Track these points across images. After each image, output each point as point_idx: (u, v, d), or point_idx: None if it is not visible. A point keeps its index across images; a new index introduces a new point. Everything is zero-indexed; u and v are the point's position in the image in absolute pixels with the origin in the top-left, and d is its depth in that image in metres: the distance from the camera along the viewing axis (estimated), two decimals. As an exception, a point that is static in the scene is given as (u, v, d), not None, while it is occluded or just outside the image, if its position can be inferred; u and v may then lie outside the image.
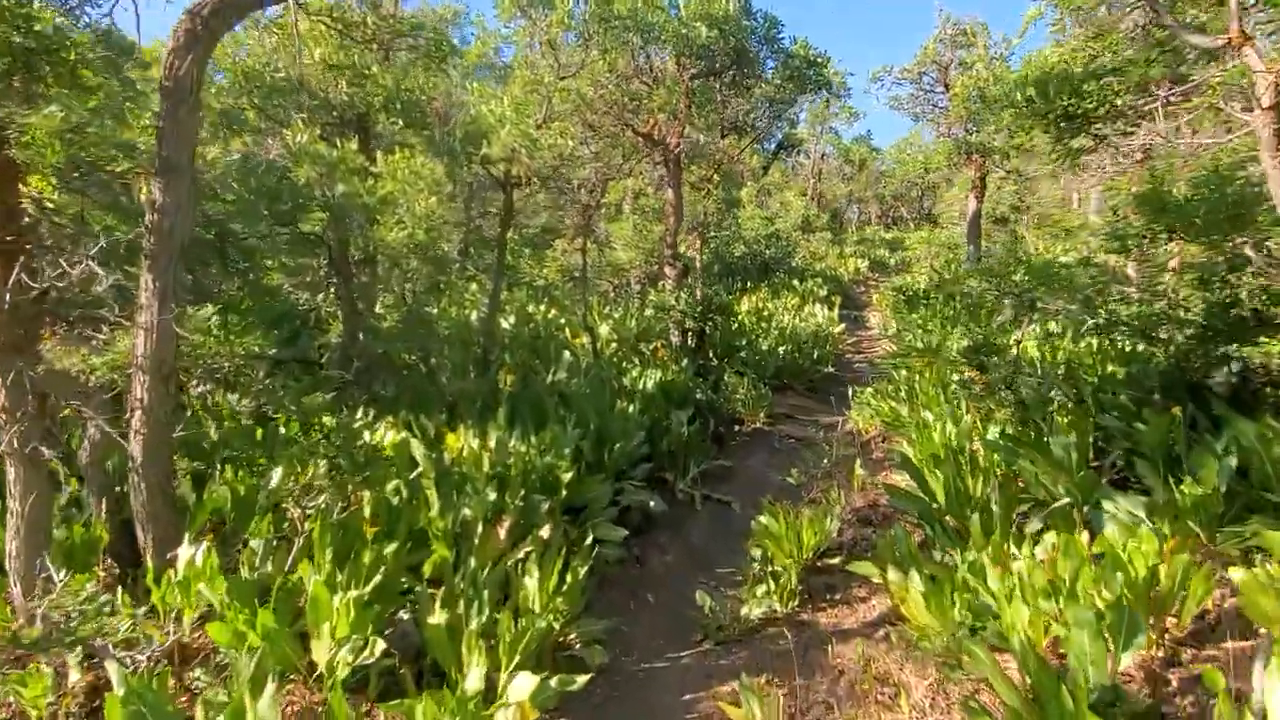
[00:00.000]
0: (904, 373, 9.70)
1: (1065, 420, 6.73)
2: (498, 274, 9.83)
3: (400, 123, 8.09)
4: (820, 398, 12.12)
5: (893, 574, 4.91)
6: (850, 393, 12.41)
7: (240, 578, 4.38)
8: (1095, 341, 9.10)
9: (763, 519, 6.31)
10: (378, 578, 4.49)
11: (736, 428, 10.19)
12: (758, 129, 13.48)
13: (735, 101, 12.73)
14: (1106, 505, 5.29)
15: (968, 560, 4.73)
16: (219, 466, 5.58)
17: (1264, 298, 6.29)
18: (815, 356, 12.87)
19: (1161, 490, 5.35)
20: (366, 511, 5.07)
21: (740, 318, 13.90)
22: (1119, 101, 4.41)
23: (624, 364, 11.36)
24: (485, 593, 4.46)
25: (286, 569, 4.64)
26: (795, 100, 12.93)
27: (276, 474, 5.30)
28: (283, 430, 6.08)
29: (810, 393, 12.18)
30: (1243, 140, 5.72)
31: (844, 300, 22.09)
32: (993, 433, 6.91)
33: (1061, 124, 4.68)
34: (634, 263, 14.98)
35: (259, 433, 6.28)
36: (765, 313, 15.86)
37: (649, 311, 13.83)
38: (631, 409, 8.18)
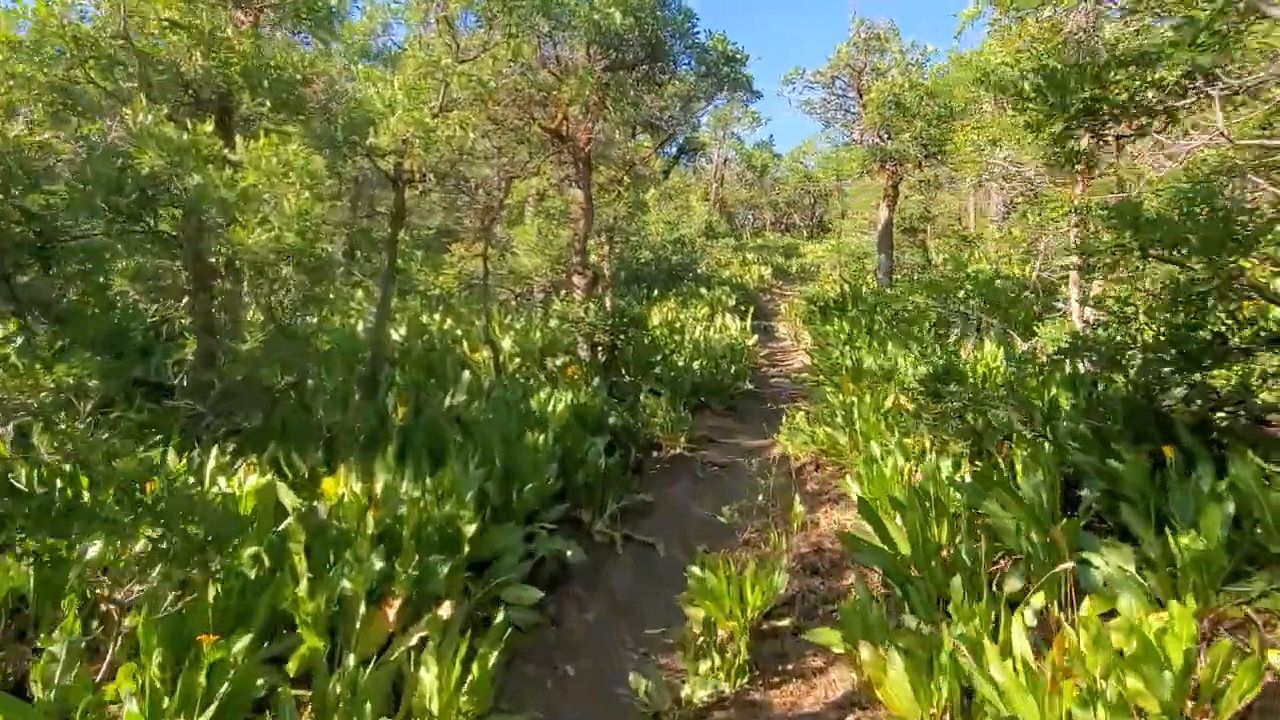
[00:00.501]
0: (837, 396, 9.11)
1: (1025, 454, 6.22)
2: (387, 281, 8.75)
3: (268, 104, 6.95)
4: (740, 417, 11.49)
5: (866, 652, 4.18)
6: (771, 411, 11.84)
7: (28, 702, 3.28)
8: (1035, 363, 8.73)
9: (698, 571, 5.53)
10: (225, 688, 3.46)
11: (655, 453, 9.40)
12: (671, 128, 12.77)
13: (649, 98, 11.98)
14: (1094, 559, 4.74)
15: (955, 632, 4.05)
16: (19, 535, 4.38)
17: (1231, 323, 5.92)
18: (733, 372, 12.23)
19: (1152, 541, 4.83)
20: (212, 594, 4.01)
21: (653, 330, 13.13)
22: (1149, 95, 3.83)
23: (530, 382, 10.43)
24: (368, 705, 3.49)
25: (98, 680, 3.55)
26: (712, 98, 12.28)
27: (95, 546, 4.16)
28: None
29: (729, 411, 11.53)
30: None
31: (752, 309, 21.73)
32: (946, 467, 6.34)
33: (1082, 120, 4.07)
34: (538, 270, 14.03)
35: (83, 482, 5.08)
36: (677, 324, 15.17)
37: (554, 322, 12.93)
38: (543, 439, 7.27)
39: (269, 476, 5.82)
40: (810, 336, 17.34)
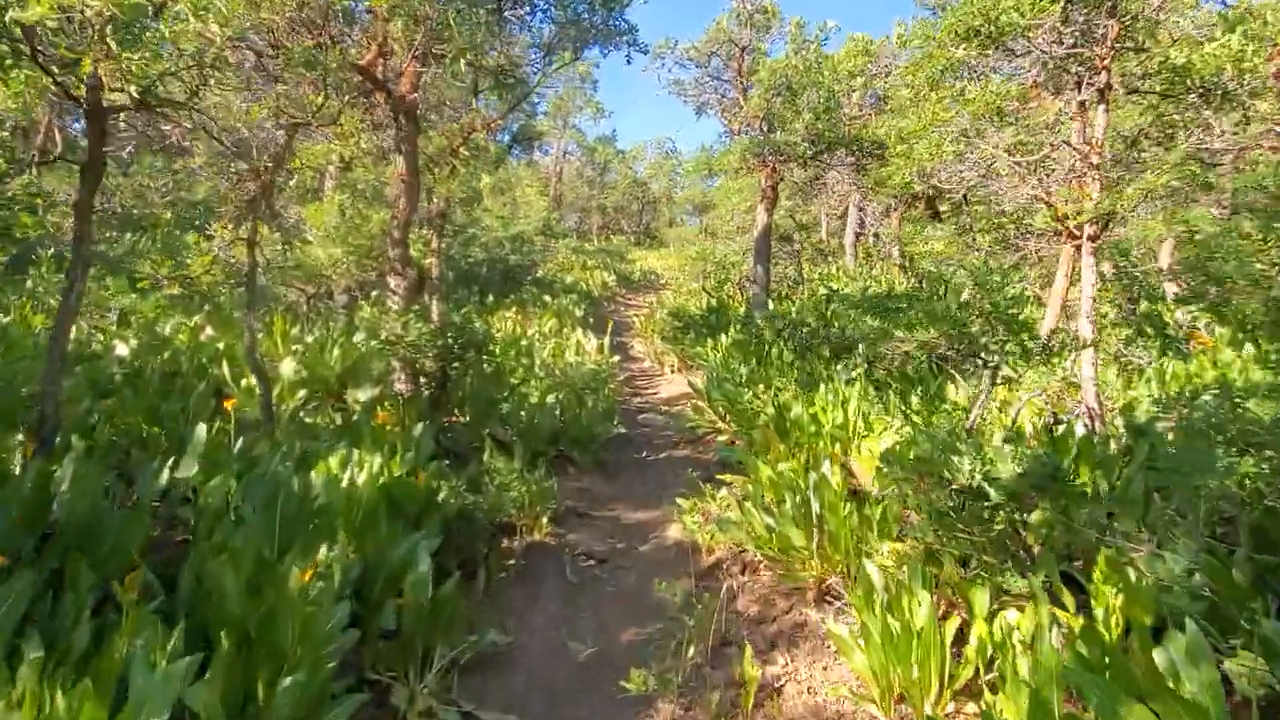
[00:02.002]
0: (765, 462, 6.67)
1: (1115, 591, 4.00)
2: (75, 267, 5.56)
3: None
4: (611, 473, 8.90)
5: None
6: (649, 463, 9.40)
7: None
8: (1033, 415, 6.68)
9: None
10: None
11: (506, 541, 6.62)
12: (528, 83, 10.02)
13: (495, 43, 9.19)
14: None
15: None
16: None
17: None
18: (601, 411, 9.62)
19: None
20: None
21: (497, 353, 10.31)
22: None
23: (320, 423, 7.45)
24: None
25: None
26: (582, 49, 9.63)
27: None
28: None
29: (598, 466, 8.90)
30: None
31: (600, 320, 19.31)
32: (1003, 615, 4.03)
33: None
34: (338, 264, 10.77)
35: None
36: (523, 342, 12.37)
37: (361, 337, 9.85)
38: (326, 553, 4.37)
39: None
40: (677, 358, 15.10)
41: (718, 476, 7.46)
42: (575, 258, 30.43)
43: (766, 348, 11.72)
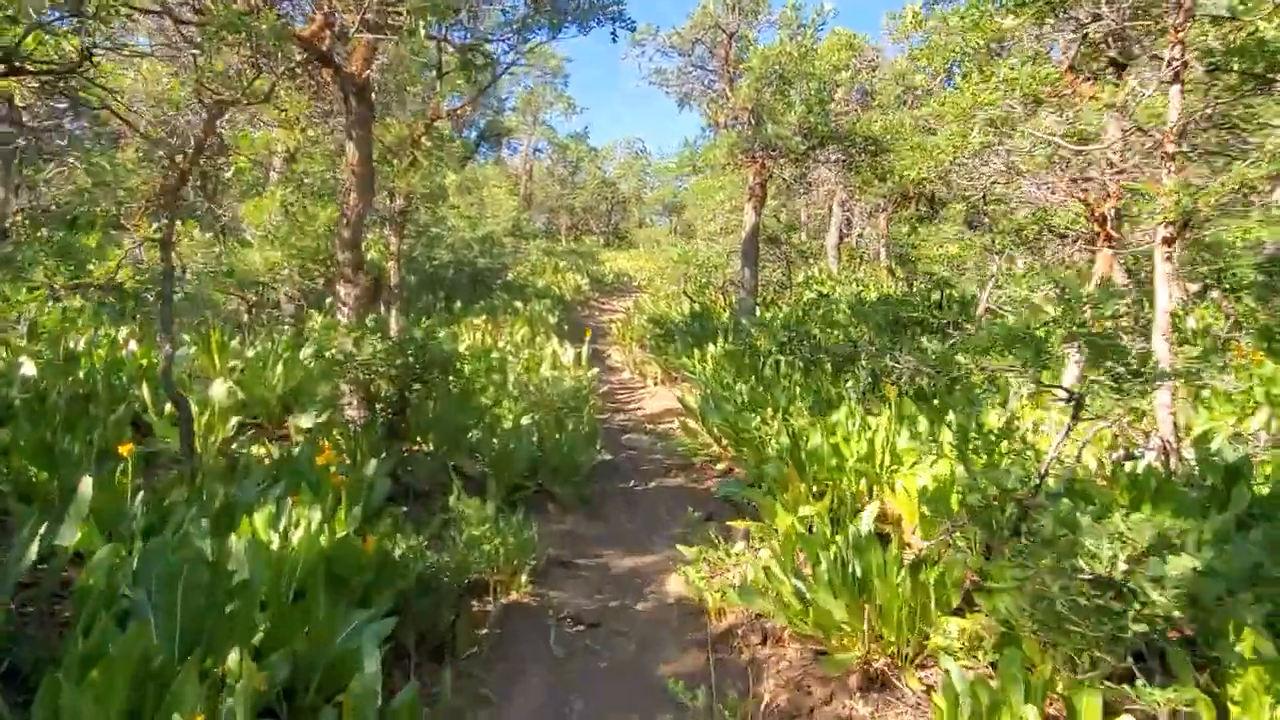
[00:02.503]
0: (784, 508, 5.69)
1: (1273, 707, 3.08)
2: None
3: None
4: (597, 510, 7.86)
5: None
6: (639, 494, 8.44)
7: None
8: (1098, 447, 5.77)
9: None
10: None
11: (477, 604, 5.58)
12: (497, 68, 8.98)
13: (461, 4, 8.16)
14: None
15: None
16: None
17: None
18: (584, 435, 8.58)
19: None
20: None
21: (467, 372, 9.23)
22: None
23: (251, 461, 6.38)
24: None
25: None
26: (560, 29, 8.61)
27: None
28: None
29: (582, 504, 7.85)
30: None
31: (574, 328, 18.29)
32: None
33: None
34: (281, 268, 9.57)
35: None
36: (494, 355, 11.29)
37: (308, 351, 8.75)
38: (238, 663, 3.33)
39: None
40: (660, 369, 14.13)
41: (728, 522, 6.49)
42: (547, 260, 29.38)
43: (761, 360, 10.77)
